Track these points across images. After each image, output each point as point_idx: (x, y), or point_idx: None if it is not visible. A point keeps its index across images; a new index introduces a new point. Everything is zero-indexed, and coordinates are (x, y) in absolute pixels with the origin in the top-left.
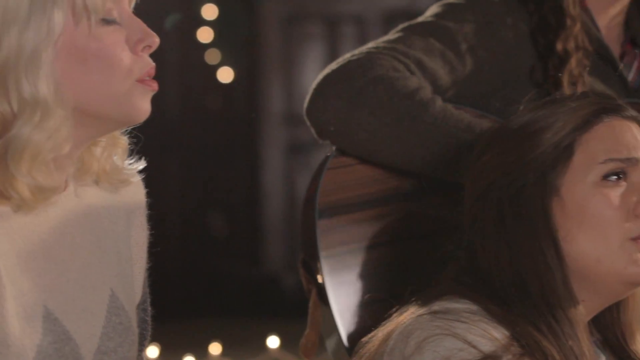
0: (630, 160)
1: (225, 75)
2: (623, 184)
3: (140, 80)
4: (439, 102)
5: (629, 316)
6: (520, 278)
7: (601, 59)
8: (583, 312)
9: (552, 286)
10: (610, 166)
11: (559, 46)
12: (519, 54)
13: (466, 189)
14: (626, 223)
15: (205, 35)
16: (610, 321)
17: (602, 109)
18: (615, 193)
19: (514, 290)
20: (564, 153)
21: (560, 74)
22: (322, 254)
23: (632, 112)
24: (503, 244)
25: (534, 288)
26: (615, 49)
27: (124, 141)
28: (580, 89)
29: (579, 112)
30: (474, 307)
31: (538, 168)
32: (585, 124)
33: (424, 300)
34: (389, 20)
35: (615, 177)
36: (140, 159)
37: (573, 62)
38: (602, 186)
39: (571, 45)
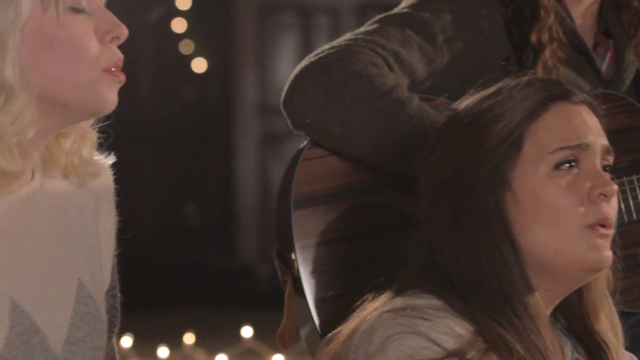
0: (580, 147)
1: (199, 65)
2: (575, 170)
3: (107, 71)
4: (415, 101)
5: (593, 296)
6: (478, 275)
7: (575, 50)
8: (543, 305)
9: (510, 282)
10: (561, 155)
11: (533, 37)
12: (494, 45)
13: (420, 186)
14: (582, 210)
15: (179, 25)
16: (574, 304)
17: (549, 96)
18: (568, 181)
19: (473, 287)
20: (514, 145)
21: (534, 65)
22: (297, 245)
23: (581, 96)
24: (459, 242)
25: (492, 285)
26: (588, 39)
27: (93, 135)
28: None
29: (525, 102)
30: (437, 302)
31: (489, 163)
32: (533, 114)
33: (387, 295)
34: (363, 11)
35: (567, 165)
36: (112, 150)
37: (547, 53)
38: (554, 176)
39: (545, 36)
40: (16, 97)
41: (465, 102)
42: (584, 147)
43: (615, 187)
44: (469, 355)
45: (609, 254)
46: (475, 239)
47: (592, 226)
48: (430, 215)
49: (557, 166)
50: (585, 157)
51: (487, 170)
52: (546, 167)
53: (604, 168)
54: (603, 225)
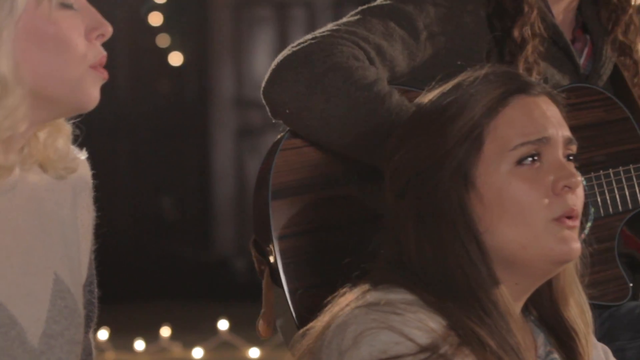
0: (541, 141)
1: (176, 58)
2: (538, 164)
3: (93, 67)
4: (395, 95)
5: (562, 284)
6: (445, 275)
7: (554, 45)
8: (512, 301)
9: (478, 281)
10: (522, 151)
11: (516, 32)
12: (477, 39)
13: (386, 186)
14: (547, 204)
15: (155, 19)
16: (544, 293)
17: (507, 91)
18: (531, 176)
19: (442, 286)
20: (475, 144)
21: (515, 60)
22: (275, 235)
23: (540, 87)
24: (425, 242)
25: (460, 284)
26: (567, 34)
27: (67, 128)
28: (535, 75)
29: (484, 98)
30: (410, 297)
31: (451, 163)
32: (492, 111)
33: (360, 289)
34: (339, 4)
35: (530, 159)
36: (89, 144)
37: (529, 48)
38: (517, 172)
39: (528, 32)
40: (11, 92)
41: (424, 100)
42: (544, 140)
43: (580, 177)
44: (442, 350)
45: (577, 245)
46: (441, 239)
47: (558, 219)
48: (396, 215)
49: (520, 162)
50: (547, 150)
51: (449, 170)
52: (508, 163)
53: (568, 158)
54: (569, 217)
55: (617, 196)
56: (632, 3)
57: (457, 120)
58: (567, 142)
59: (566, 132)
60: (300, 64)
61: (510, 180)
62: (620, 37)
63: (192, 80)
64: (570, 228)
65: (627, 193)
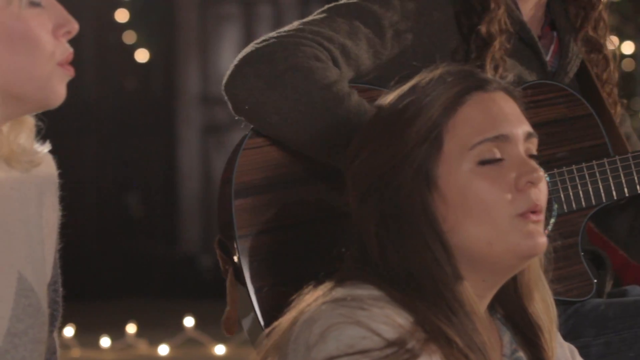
0: (499, 138)
1: (142, 55)
2: (499, 162)
3: (61, 65)
4: (355, 96)
5: (527, 278)
6: (410, 276)
7: (521, 42)
8: (476, 299)
9: (443, 281)
10: (481, 149)
11: (483, 29)
12: (445, 37)
13: (348, 191)
14: (510, 201)
15: (122, 15)
16: (510, 288)
17: (463, 89)
18: (493, 174)
19: (407, 285)
20: (434, 144)
21: (482, 57)
22: (238, 234)
23: (496, 83)
24: (389, 245)
25: (426, 284)
26: (535, 31)
27: (31, 121)
28: (501, 71)
29: (440, 98)
30: (376, 292)
31: (412, 164)
32: (449, 110)
33: (326, 286)
34: (305, 1)
35: (492, 158)
36: (55, 140)
37: (496, 45)
38: (479, 170)
39: (495, 28)
40: None
41: (383, 102)
42: (502, 138)
43: (542, 172)
44: (409, 345)
45: (543, 239)
46: (405, 241)
47: (522, 214)
48: (359, 218)
49: (481, 162)
50: (507, 147)
51: (411, 172)
52: (469, 163)
53: (530, 154)
54: (534, 212)
55: (581, 192)
56: (601, 1)
57: (415, 122)
58: (528, 137)
59: (526, 127)
60: (262, 62)
61: (472, 179)
62: (590, 33)
63: (158, 77)
64: (535, 222)
65: (590, 189)
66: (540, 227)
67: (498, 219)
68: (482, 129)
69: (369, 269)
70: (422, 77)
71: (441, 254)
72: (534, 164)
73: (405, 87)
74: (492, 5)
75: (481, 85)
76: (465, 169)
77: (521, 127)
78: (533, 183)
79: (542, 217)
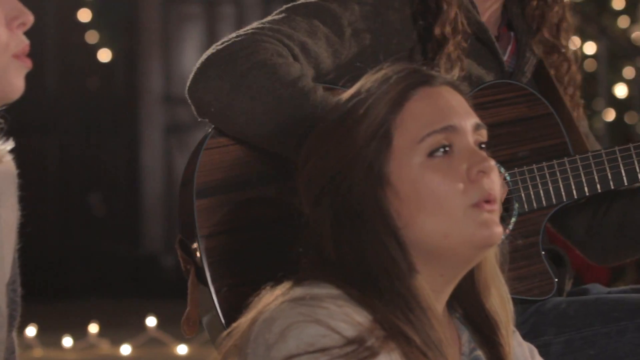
0: (447, 129)
1: (105, 55)
2: (449, 154)
3: (16, 57)
4: (320, 91)
5: (484, 273)
6: (367, 274)
7: (479, 42)
8: (433, 296)
9: (399, 278)
10: (430, 142)
11: (437, 31)
12: (402, 37)
13: (301, 194)
14: (463, 191)
15: (84, 15)
16: (467, 284)
17: (409, 85)
18: (444, 166)
19: (364, 284)
20: (383, 141)
21: (437, 57)
22: (200, 234)
23: (441, 78)
24: (345, 245)
25: (382, 282)
26: (492, 31)
27: None
28: (457, 72)
29: (386, 95)
30: (335, 291)
31: (362, 163)
32: (396, 106)
33: (285, 285)
34: (267, 1)
35: (441, 150)
36: (18, 140)
37: (450, 45)
38: (430, 164)
39: (448, 29)
40: None
41: (331, 105)
42: (451, 129)
43: (493, 162)
44: (368, 343)
45: (498, 228)
46: (360, 240)
47: (476, 204)
48: (315, 220)
49: (431, 153)
50: (456, 138)
51: (362, 171)
52: (420, 156)
53: (480, 145)
54: (487, 201)
55: (541, 191)
56: (560, 1)
57: (363, 120)
58: (476, 129)
59: (473, 119)
60: (224, 62)
61: (423, 173)
62: (547, 36)
63: (121, 76)
64: (490, 212)
65: (550, 188)
66: (495, 217)
67: (451, 211)
68: (430, 121)
69: (326, 268)
70: (368, 77)
71: (396, 251)
72: (484, 154)
73: (352, 88)
74: (445, 7)
75: (426, 80)
76: (416, 163)
77: (469, 119)
78: (484, 172)
79: (496, 206)
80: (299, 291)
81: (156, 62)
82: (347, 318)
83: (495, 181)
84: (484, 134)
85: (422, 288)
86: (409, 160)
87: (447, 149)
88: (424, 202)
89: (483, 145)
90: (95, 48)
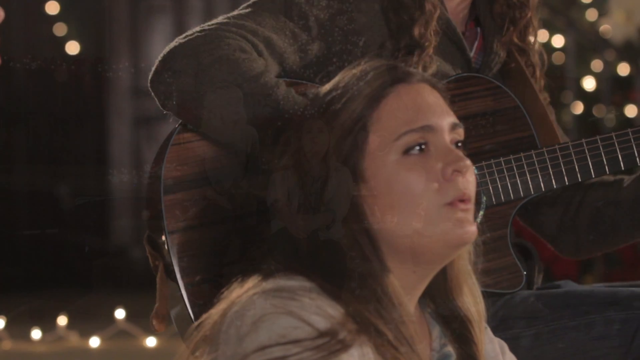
0: (424, 129)
1: (73, 47)
2: (425, 152)
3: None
4: (282, 87)
5: (456, 271)
6: (339, 270)
7: (446, 37)
8: (403, 292)
9: (372, 274)
10: (407, 140)
11: (417, 31)
12: (371, 33)
13: (274, 188)
14: (438, 190)
15: (52, 7)
16: (439, 281)
17: (386, 81)
18: (419, 164)
19: (337, 279)
20: (359, 137)
21: (411, 55)
22: (168, 229)
23: (419, 75)
24: (317, 240)
25: (354, 280)
26: (460, 27)
27: None
28: (434, 69)
29: (364, 91)
30: (307, 284)
31: (338, 158)
32: (373, 102)
33: (256, 277)
34: None
35: (417, 148)
36: None
37: (430, 49)
38: (405, 162)
39: (430, 31)
40: None
41: (309, 99)
42: (428, 128)
43: (468, 161)
44: (340, 336)
45: (472, 227)
46: (334, 240)
47: (451, 203)
48: (286, 215)
49: (406, 151)
50: (432, 137)
51: (337, 166)
52: (395, 153)
53: (456, 144)
54: (462, 201)
55: (509, 184)
56: (527, 5)
57: (339, 116)
58: (453, 128)
59: (451, 118)
60: (187, 56)
61: (398, 170)
62: (514, 38)
63: (89, 69)
64: (464, 211)
65: (518, 181)
66: (469, 216)
67: (426, 210)
68: (407, 120)
69: (299, 261)
70: (345, 73)
71: (368, 248)
72: (460, 153)
73: (330, 83)
74: (428, 7)
75: (404, 77)
76: (391, 160)
77: (446, 118)
78: (460, 172)
79: (470, 206)
80: (271, 283)
81: (124, 55)
82: (320, 310)
83: (470, 181)
84: (460, 133)
85: (394, 285)
86: (384, 158)
87: (423, 147)
88: (398, 199)
89: (459, 144)
90: (63, 40)
